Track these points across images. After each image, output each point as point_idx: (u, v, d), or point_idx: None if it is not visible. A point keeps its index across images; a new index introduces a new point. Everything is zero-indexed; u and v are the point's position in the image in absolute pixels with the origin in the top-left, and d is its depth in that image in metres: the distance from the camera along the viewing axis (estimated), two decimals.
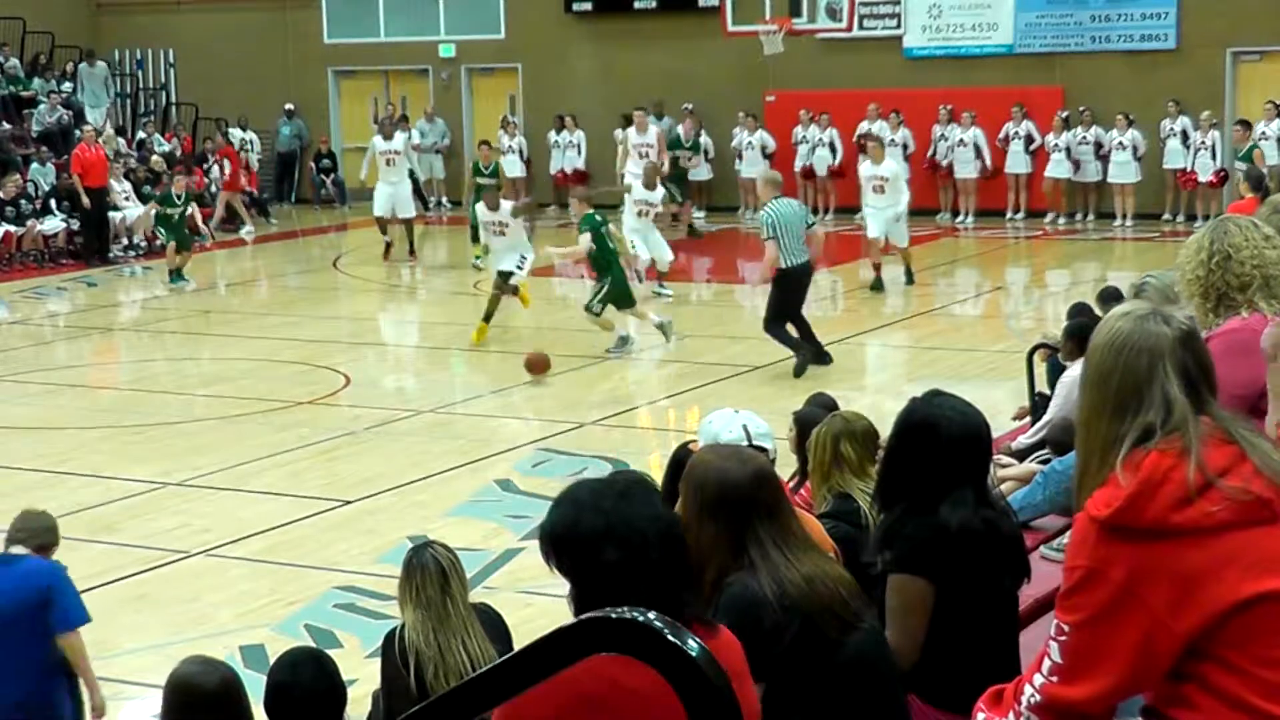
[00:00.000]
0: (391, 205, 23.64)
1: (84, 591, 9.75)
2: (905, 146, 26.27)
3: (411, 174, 28.47)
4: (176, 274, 22.08)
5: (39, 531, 6.73)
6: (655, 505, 3.35)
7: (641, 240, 19.09)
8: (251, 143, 30.26)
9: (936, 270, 22.25)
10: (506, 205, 17.25)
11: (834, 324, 17.73)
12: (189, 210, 23.20)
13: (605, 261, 16.22)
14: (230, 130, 30.40)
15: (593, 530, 3.25)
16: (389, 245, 23.65)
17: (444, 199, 29.92)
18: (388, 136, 24.13)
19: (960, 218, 26.25)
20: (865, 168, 20.18)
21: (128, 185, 26.12)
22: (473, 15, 29.97)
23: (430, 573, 5.25)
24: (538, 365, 15.00)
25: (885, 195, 19.62)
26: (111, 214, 25.41)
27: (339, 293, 22.68)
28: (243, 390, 15.42)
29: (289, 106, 30.83)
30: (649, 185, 19.34)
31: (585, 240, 16.17)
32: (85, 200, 24.56)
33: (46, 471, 12.58)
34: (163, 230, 23.01)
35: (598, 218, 16.45)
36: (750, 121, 27.17)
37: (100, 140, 25.84)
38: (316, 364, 16.63)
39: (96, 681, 6.81)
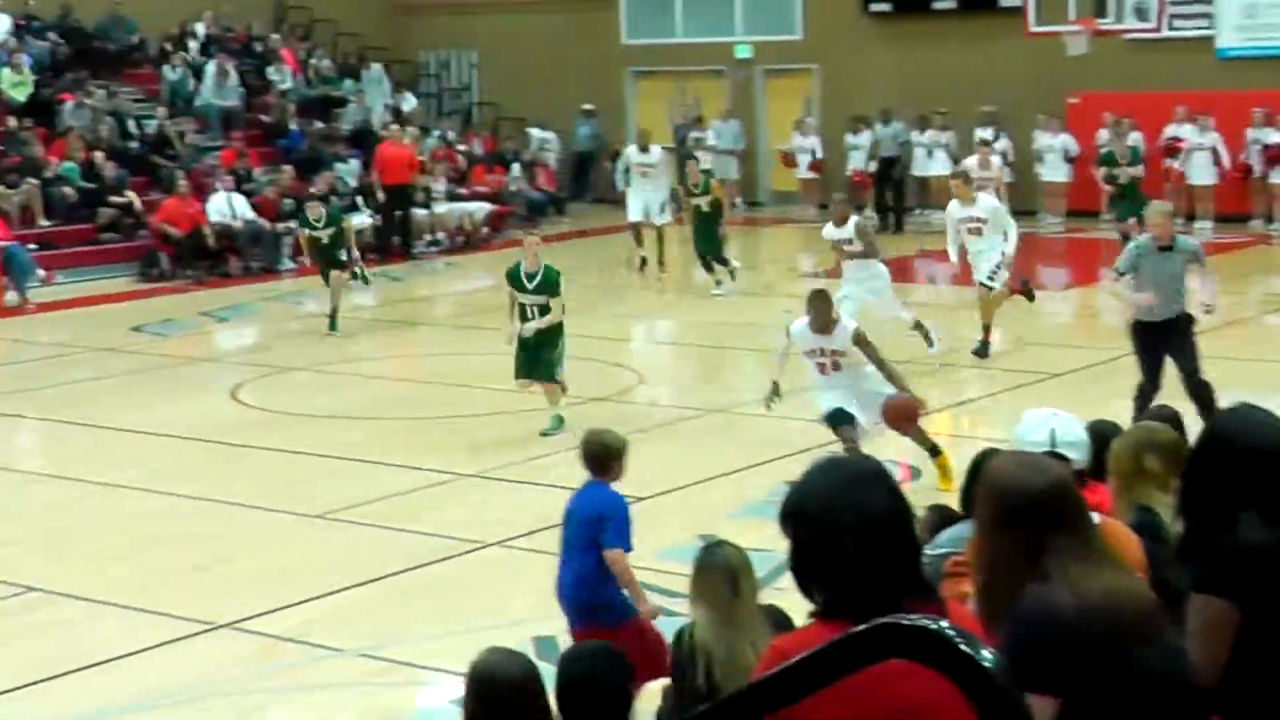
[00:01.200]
0: (645, 209, 23.10)
1: (381, 579, 10.12)
2: (1215, 151, 25.42)
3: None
4: (331, 320, 19.14)
5: (594, 457, 7.67)
6: (871, 498, 3.32)
7: (852, 304, 15.25)
8: (550, 142, 30.82)
9: (1248, 279, 21.47)
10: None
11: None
12: (338, 233, 19.47)
13: None
14: (530, 130, 31.01)
15: (800, 509, 3.37)
16: (644, 260, 22.98)
17: (738, 200, 30.02)
18: (643, 149, 23.67)
19: (1275, 224, 25.28)
20: (954, 208, 16.58)
21: (442, 184, 27.00)
22: (770, 16, 30.00)
23: (721, 572, 5.25)
24: (901, 414, 11.20)
25: (984, 238, 16.25)
26: (420, 210, 26.25)
27: (631, 291, 22.91)
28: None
29: (587, 107, 31.29)
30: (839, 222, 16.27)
31: None
32: (380, 196, 25.46)
33: (349, 459, 12.97)
34: (319, 259, 19.67)
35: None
36: (1053, 124, 26.60)
37: (406, 139, 26.59)
38: (609, 361, 16.83)
39: (641, 593, 7.66)
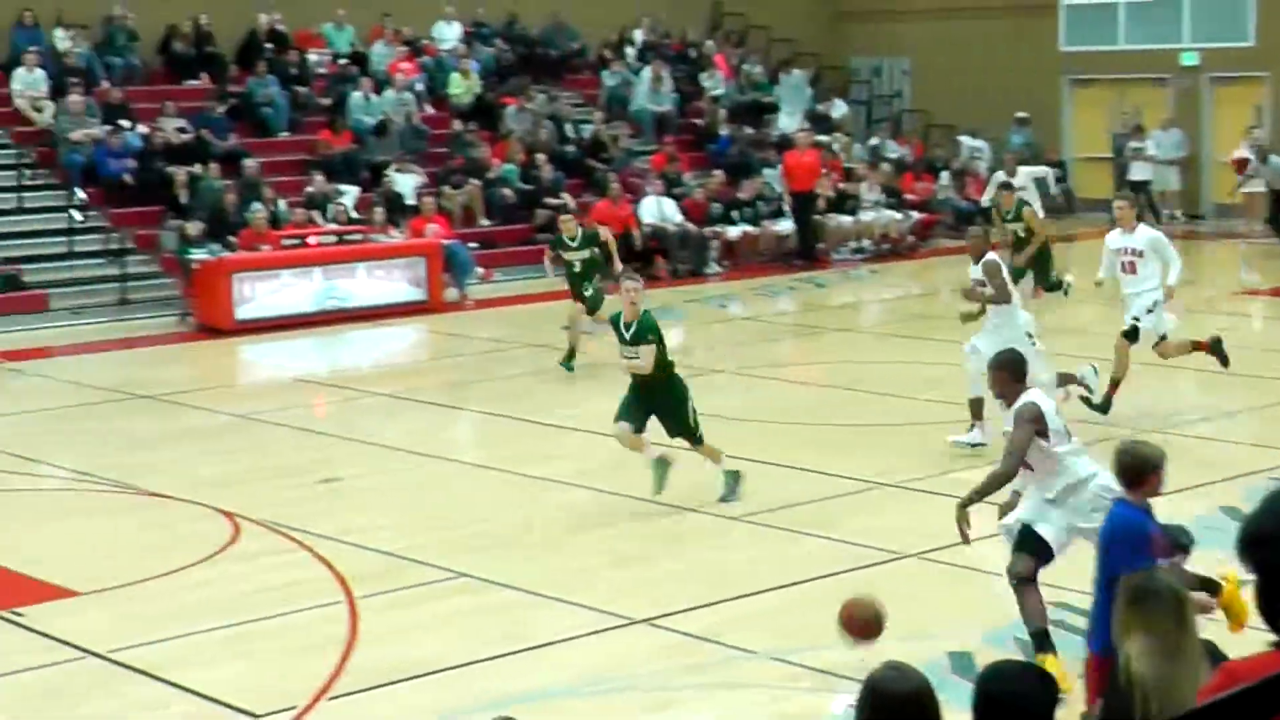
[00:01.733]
0: None
1: (797, 584, 10.06)
2: None
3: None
4: (568, 358, 17.37)
5: (1124, 468, 7.13)
6: None
7: (979, 358, 12.92)
8: (981, 150, 30.33)
9: None
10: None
11: None
12: (591, 260, 17.86)
13: None
14: (960, 138, 30.58)
15: (1263, 535, 3.16)
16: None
17: (1177, 212, 28.93)
18: (1010, 173, 22.71)
19: None
20: (1112, 236, 14.59)
21: (877, 191, 26.99)
22: (1219, 22, 28.78)
23: (1166, 601, 4.97)
24: (858, 624, 7.75)
25: (1139, 276, 14.27)
26: (846, 218, 26.26)
27: (1064, 302, 22.25)
28: (957, 396, 15.39)
29: (1020, 115, 30.64)
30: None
31: None
32: (788, 203, 25.66)
33: (769, 463, 12.98)
34: (569, 283, 17.94)
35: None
36: None
37: (836, 145, 26.64)
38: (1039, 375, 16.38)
39: None
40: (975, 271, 13.67)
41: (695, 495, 12.15)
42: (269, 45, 27.06)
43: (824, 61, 32.65)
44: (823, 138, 29.00)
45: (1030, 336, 13.15)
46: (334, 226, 22.81)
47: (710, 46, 31.28)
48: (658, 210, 24.99)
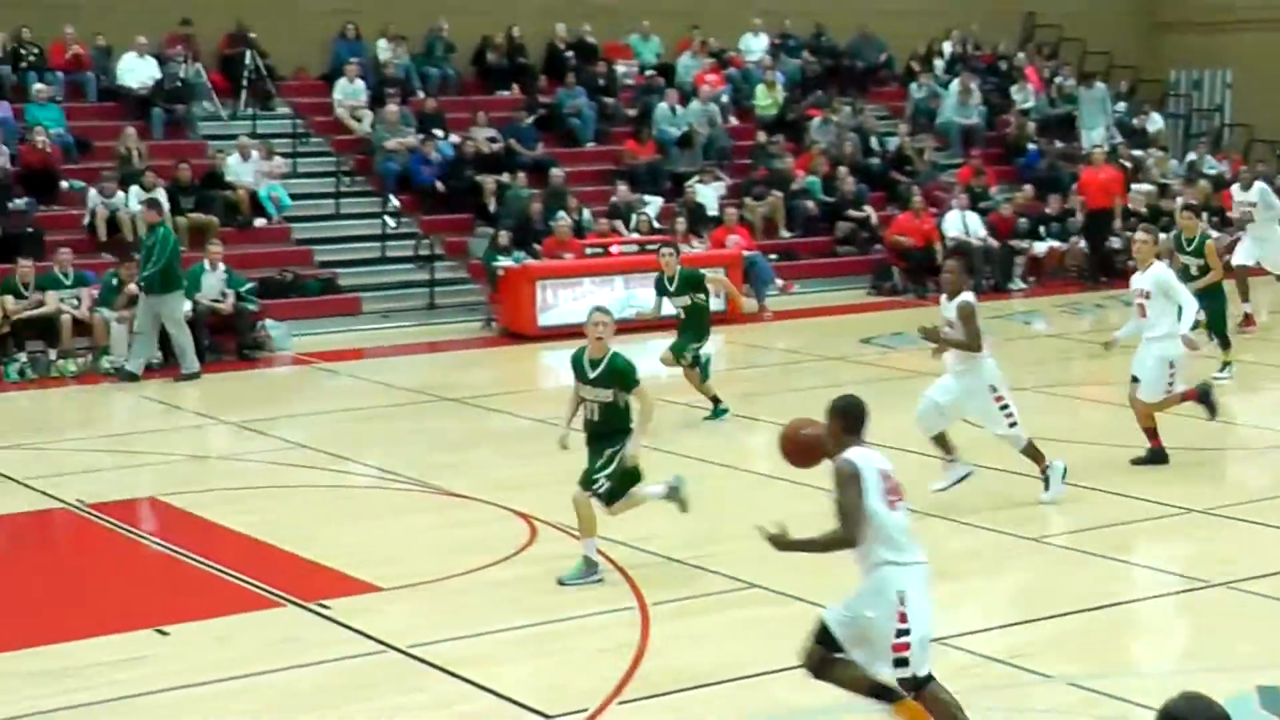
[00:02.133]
0: (1256, 256, 20.39)
1: (1098, 609, 9.76)
2: None
3: None
4: (715, 407, 15.92)
5: None
6: None
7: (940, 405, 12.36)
8: None
9: None
10: None
11: None
12: (695, 300, 16.17)
13: None
14: None
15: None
16: (1248, 315, 20.04)
17: None
18: (1245, 187, 21.02)
19: None
20: (1135, 276, 13.47)
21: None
22: None
23: None
24: (798, 447, 8.51)
25: (1149, 318, 13.19)
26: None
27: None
28: (1262, 420, 14.82)
29: None
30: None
31: None
32: (1080, 220, 25.07)
33: (1069, 484, 12.66)
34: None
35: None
36: None
37: (1114, 161, 25.97)
38: None
39: None
40: (949, 310, 12.17)
41: (989, 513, 11.92)
42: (569, 55, 27.52)
43: (1141, 74, 31.78)
44: (1137, 152, 28.24)
45: (994, 389, 12.11)
46: (636, 236, 23.07)
47: (1021, 59, 30.73)
48: (961, 224, 24.63)
